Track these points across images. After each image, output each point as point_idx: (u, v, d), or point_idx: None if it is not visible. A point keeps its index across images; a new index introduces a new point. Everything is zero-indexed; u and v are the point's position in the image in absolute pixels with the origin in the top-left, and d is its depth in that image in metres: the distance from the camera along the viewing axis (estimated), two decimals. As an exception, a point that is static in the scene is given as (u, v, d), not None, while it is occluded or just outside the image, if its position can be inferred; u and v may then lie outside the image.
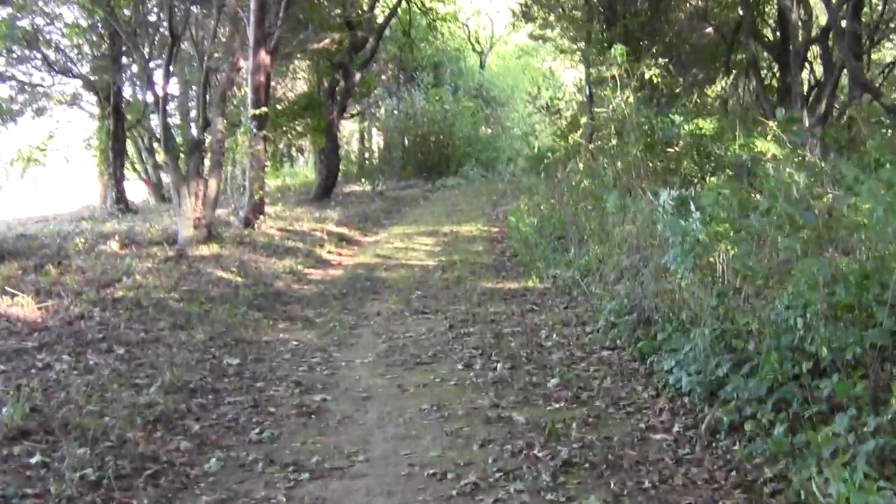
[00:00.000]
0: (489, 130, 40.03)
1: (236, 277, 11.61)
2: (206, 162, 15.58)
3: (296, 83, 34.42)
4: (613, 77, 13.20)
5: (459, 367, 7.33)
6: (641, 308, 7.85)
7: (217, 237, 14.77)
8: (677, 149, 12.98)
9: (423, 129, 33.47)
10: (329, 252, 15.35)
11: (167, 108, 16.84)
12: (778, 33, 21.57)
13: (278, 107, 31.69)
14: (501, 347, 7.78)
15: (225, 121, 16.10)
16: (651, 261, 8.69)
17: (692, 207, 8.18)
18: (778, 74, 22.59)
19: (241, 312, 9.45)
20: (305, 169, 40.42)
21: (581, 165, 16.72)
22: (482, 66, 43.81)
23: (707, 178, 10.78)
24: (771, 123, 14.46)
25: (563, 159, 21.06)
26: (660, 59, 13.20)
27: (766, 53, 23.57)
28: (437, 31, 34.90)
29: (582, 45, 26.96)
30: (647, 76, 12.61)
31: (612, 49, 12.75)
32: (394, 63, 35.96)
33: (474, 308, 9.76)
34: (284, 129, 31.53)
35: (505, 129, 40.96)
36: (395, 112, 34.54)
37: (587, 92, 23.15)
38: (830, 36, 20.77)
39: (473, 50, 42.93)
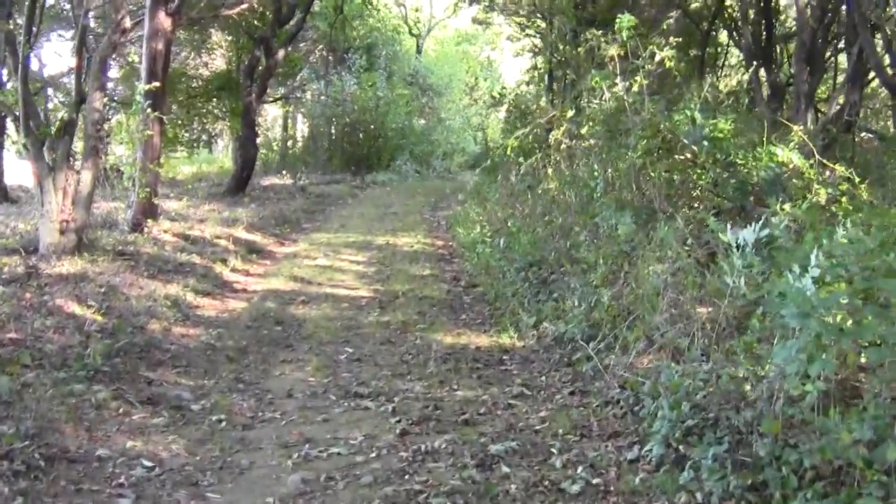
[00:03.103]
0: (424, 121, 36.78)
1: (95, 315, 8.23)
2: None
3: (214, 60, 30.86)
4: (612, 59, 10.09)
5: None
6: (736, 432, 4.72)
7: (90, 246, 11.37)
8: (688, 155, 9.92)
9: (353, 117, 30.08)
10: (233, 270, 12.00)
11: (35, 77, 13.41)
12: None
13: (193, 85, 28.34)
14: (495, 496, 4.55)
15: (105, 96, 12.63)
16: (724, 337, 5.67)
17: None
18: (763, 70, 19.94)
19: (77, 391, 6.09)
20: (224, 155, 36.88)
21: (550, 170, 13.61)
22: (419, 50, 40.52)
23: (778, 205, 7.81)
24: (795, 128, 11.69)
25: (517, 160, 18.05)
26: (672, 38, 10.18)
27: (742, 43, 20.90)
28: (371, 7, 31.57)
29: (539, 24, 24.09)
30: (657, 58, 9.61)
31: (617, 21, 9.64)
32: (323, 43, 32.49)
33: (435, 389, 6.51)
34: (196, 111, 28.07)
35: (441, 121, 37.76)
36: (323, 97, 31.07)
37: (546, 80, 20.18)
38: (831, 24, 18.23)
39: (410, 33, 39.59)
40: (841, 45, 19.31)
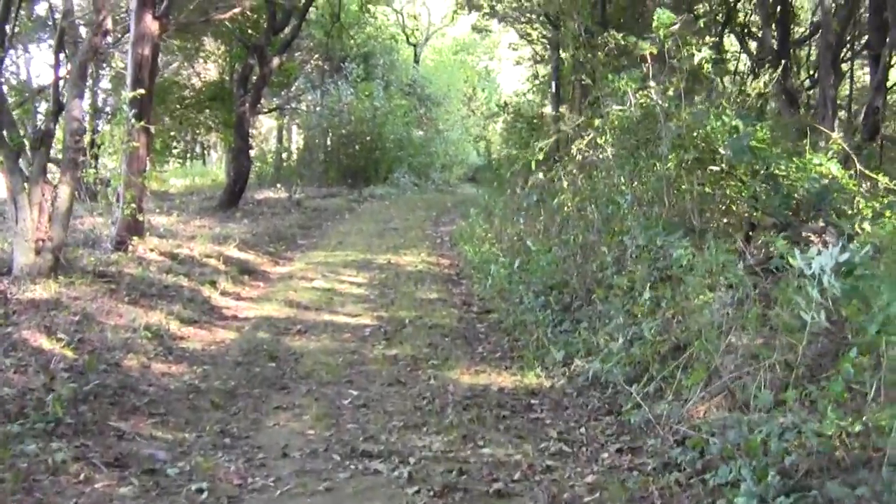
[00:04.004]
0: (422, 133, 35.77)
1: (64, 350, 7.23)
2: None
3: (206, 70, 29.95)
4: (644, 59, 9.07)
5: None
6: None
7: (68, 267, 10.35)
8: (724, 166, 8.93)
9: (350, 128, 29.03)
10: (223, 293, 10.98)
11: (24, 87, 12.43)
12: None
13: (184, 95, 27.39)
14: None
15: (86, 105, 11.63)
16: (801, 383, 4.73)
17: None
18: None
19: (30, 451, 5.07)
20: (217, 167, 35.90)
21: (566, 183, 12.62)
22: (416, 60, 39.47)
23: (857, 225, 6.84)
24: (834, 135, 10.74)
25: (526, 171, 17.06)
26: (708, 37, 9.21)
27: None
28: (369, 15, 30.59)
29: (543, 30, 23.15)
30: (696, 60, 8.63)
31: (655, 16, 8.65)
32: (319, 51, 31.49)
33: (457, 445, 5.47)
34: (188, 122, 27.11)
35: (440, 132, 36.75)
36: (319, 108, 30.03)
37: (553, 87, 19.22)
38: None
39: (408, 41, 38.58)
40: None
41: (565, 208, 11.76)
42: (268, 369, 7.44)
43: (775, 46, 17.51)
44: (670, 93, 8.86)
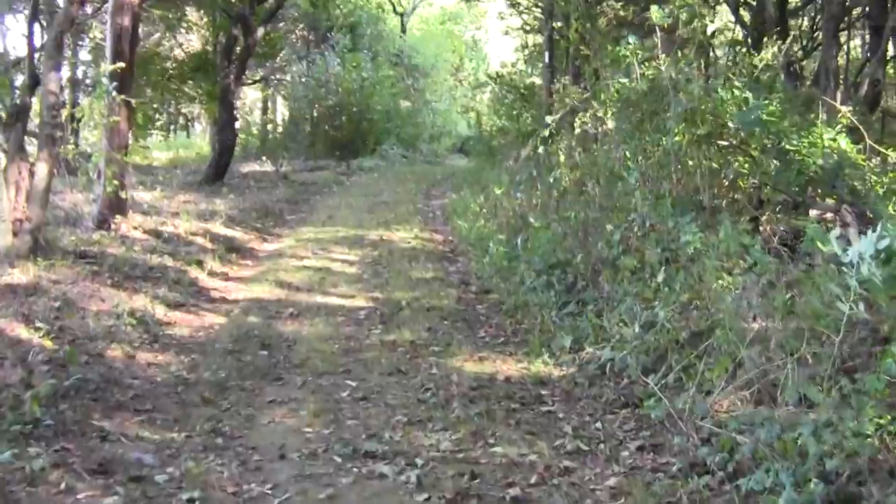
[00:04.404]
0: (410, 104, 35.24)
1: (43, 340, 6.82)
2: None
3: (190, 41, 29.34)
4: (652, 29, 8.66)
5: None
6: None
7: (48, 248, 9.89)
8: (733, 141, 8.54)
9: (337, 99, 28.47)
10: (211, 274, 10.57)
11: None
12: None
13: (167, 66, 26.80)
14: None
15: (62, 78, 11.15)
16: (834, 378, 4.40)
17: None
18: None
19: (4, 459, 4.66)
20: (202, 139, 35.35)
21: (563, 157, 12.22)
22: (403, 30, 38.82)
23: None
24: (844, 109, 10.35)
25: (519, 144, 16.65)
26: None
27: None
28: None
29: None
30: (709, 31, 8.22)
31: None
32: (304, 22, 30.87)
33: (466, 444, 5.08)
34: (171, 94, 26.55)
35: (427, 103, 36.22)
36: (304, 79, 29.44)
37: (546, 58, 18.76)
38: None
39: (394, 11, 37.93)
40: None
41: (563, 183, 11.39)
42: (260, 358, 7.03)
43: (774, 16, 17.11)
44: (682, 64, 8.44)
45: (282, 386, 6.34)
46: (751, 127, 7.84)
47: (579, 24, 12.58)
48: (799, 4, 20.51)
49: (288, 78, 31.58)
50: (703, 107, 8.02)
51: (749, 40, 18.03)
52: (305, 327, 8.08)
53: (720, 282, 6.04)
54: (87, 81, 22.84)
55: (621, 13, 11.97)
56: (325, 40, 30.49)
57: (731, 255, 6.35)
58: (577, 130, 11.53)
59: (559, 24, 16.78)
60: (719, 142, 8.54)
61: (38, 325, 7.10)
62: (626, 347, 6.25)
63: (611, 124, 10.71)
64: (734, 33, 22.13)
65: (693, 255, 6.65)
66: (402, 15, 38.82)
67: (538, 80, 24.38)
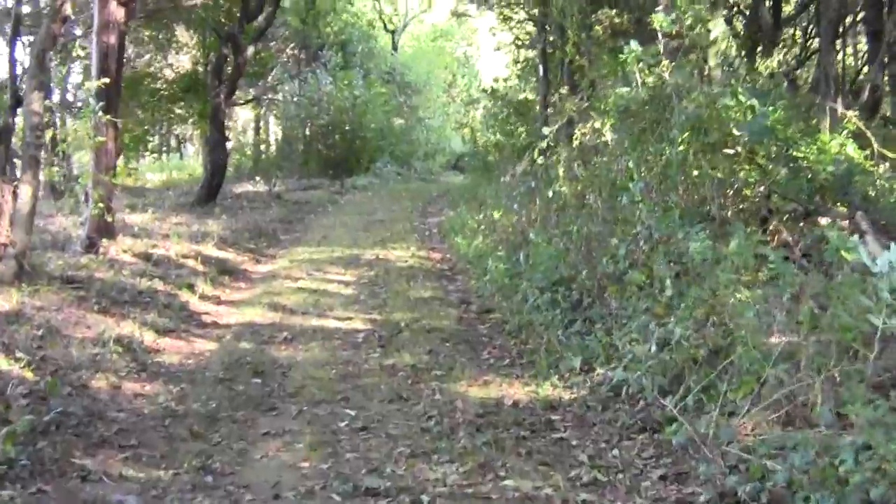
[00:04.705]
0: (403, 121, 34.96)
1: (24, 372, 6.44)
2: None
3: (180, 61, 29.08)
4: (670, 35, 8.33)
5: None
6: None
7: (33, 273, 9.54)
8: (738, 149, 8.21)
9: (329, 118, 28.19)
10: (202, 297, 10.22)
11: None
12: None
13: (157, 87, 26.53)
14: None
15: (46, 97, 10.81)
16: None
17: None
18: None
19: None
20: (195, 160, 35.06)
21: (562, 170, 11.92)
22: (395, 47, 38.60)
23: None
24: (850, 114, 10.08)
25: (515, 158, 16.37)
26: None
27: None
28: (345, 1, 29.76)
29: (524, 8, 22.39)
30: (714, 36, 7.91)
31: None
32: (295, 40, 30.61)
33: (475, 477, 4.71)
34: (161, 114, 26.27)
35: (420, 120, 35.95)
36: (295, 98, 29.13)
37: (541, 70, 18.49)
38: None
39: (385, 28, 37.70)
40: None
41: (562, 196, 11.10)
42: (253, 387, 6.66)
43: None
44: (686, 70, 8.12)
45: (276, 416, 5.98)
46: (760, 135, 7.53)
47: (575, 34, 12.28)
48: (793, 13, 20.29)
49: (280, 97, 31.26)
50: (711, 114, 7.69)
51: (742, 49, 17.85)
52: (300, 352, 7.72)
53: (738, 295, 5.70)
54: (79, 103, 22.50)
55: (616, 20, 11.64)
56: (316, 58, 30.23)
57: (747, 267, 6.03)
58: (577, 142, 11.23)
59: (553, 36, 16.46)
60: (725, 150, 8.23)
61: (19, 355, 6.72)
62: (640, 367, 5.89)
63: (610, 135, 10.43)
64: (728, 41, 21.94)
65: (705, 266, 6.32)
66: (393, 32, 38.64)
67: (531, 95, 24.12)
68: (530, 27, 24.65)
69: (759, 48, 15.53)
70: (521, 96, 25.17)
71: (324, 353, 7.65)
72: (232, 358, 7.49)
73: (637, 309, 6.88)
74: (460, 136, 36.39)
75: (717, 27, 8.16)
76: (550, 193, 11.33)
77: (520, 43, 27.93)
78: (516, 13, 25.64)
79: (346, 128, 28.31)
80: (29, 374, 6.42)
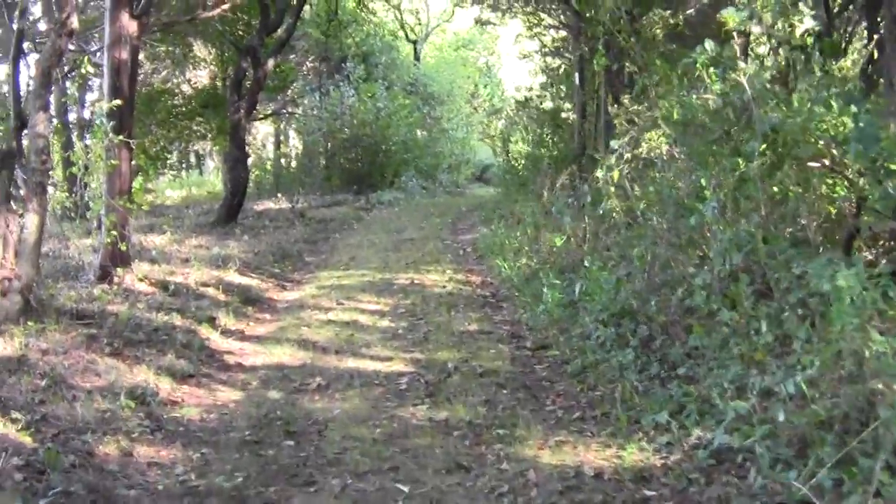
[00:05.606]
0: (426, 133, 34.08)
1: (20, 436, 5.53)
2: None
3: (198, 76, 28.37)
4: (748, 33, 7.36)
5: None
6: None
7: (40, 309, 8.67)
8: (826, 162, 7.19)
9: (352, 131, 27.34)
10: (224, 332, 9.30)
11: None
12: None
13: (175, 103, 25.80)
14: None
15: (53, 118, 9.93)
16: None
17: None
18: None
19: None
20: (214, 176, 34.34)
21: (612, 187, 10.92)
22: (417, 57, 37.76)
23: None
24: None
25: (553, 172, 15.42)
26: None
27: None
28: (368, 12, 28.94)
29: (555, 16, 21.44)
30: (797, 31, 6.97)
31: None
32: (316, 52, 29.78)
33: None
34: (179, 132, 25.52)
35: (444, 132, 35.04)
36: (317, 111, 28.26)
37: (577, 78, 17.54)
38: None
39: (407, 38, 36.86)
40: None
41: (612, 215, 10.14)
42: (285, 451, 5.70)
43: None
44: (767, 75, 7.13)
45: (315, 494, 5.00)
46: (868, 144, 6.52)
47: (625, 38, 11.31)
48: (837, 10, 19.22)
49: (300, 111, 30.42)
50: (800, 123, 6.70)
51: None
52: (337, 403, 6.76)
53: (870, 343, 4.69)
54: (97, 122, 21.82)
55: (671, 21, 10.67)
56: (338, 71, 29.38)
57: (874, 305, 5.02)
58: (628, 155, 10.25)
59: (590, 44, 15.46)
60: (811, 163, 7.23)
61: (16, 415, 5.81)
62: (751, 432, 4.90)
63: (666, 148, 9.48)
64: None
65: (822, 303, 5.32)
66: (415, 42, 37.80)
67: (562, 105, 23.14)
68: (561, 34, 23.72)
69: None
70: (546, 104, 24.24)
71: (364, 405, 6.68)
72: (260, 412, 6.55)
73: (729, 352, 5.91)
74: (487, 147, 35.53)
75: (806, 22, 7.12)
76: (600, 212, 10.36)
77: (547, 50, 27.01)
78: (543, 20, 24.71)
79: (370, 141, 27.45)
80: (27, 439, 5.54)
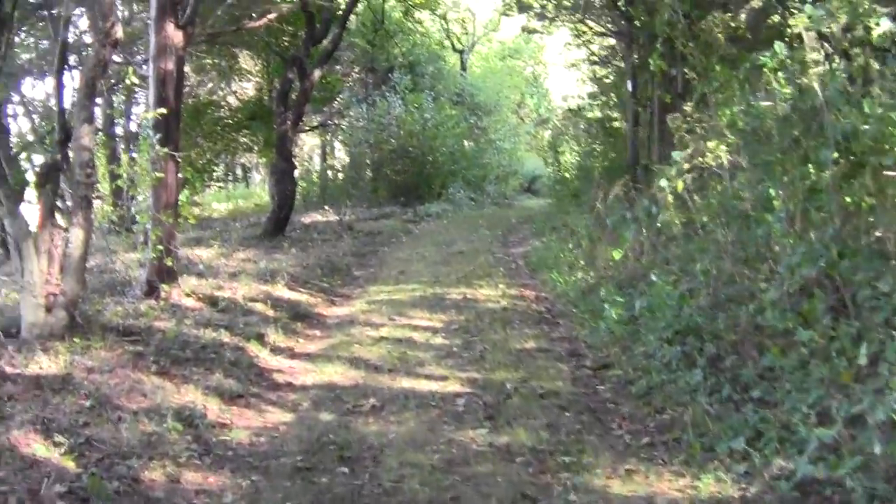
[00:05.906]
0: (473, 144, 33.81)
1: (63, 460, 5.32)
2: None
3: (244, 88, 28.37)
4: (822, 36, 6.98)
5: None
6: None
7: (86, 325, 8.51)
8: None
9: (399, 142, 27.15)
10: (274, 350, 9.06)
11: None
12: None
13: (221, 115, 25.78)
14: None
15: (98, 131, 9.78)
16: None
17: None
18: None
19: None
20: (261, 189, 34.35)
21: (670, 197, 10.55)
22: (463, 67, 37.54)
23: None
24: None
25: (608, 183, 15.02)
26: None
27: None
28: (413, 21, 28.78)
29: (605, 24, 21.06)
30: (875, 33, 6.60)
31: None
32: (362, 63, 29.67)
33: None
34: (225, 144, 25.48)
35: (491, 142, 34.75)
36: (363, 122, 28.11)
37: (630, 87, 17.18)
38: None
39: (453, 48, 36.67)
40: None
41: (670, 227, 9.77)
42: (339, 479, 5.41)
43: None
44: (840, 78, 6.74)
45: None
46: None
47: (683, 43, 10.94)
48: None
49: (346, 122, 30.29)
50: (884, 130, 6.32)
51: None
52: (392, 426, 6.46)
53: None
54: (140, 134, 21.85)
55: (732, 24, 10.29)
56: (384, 81, 29.23)
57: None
58: (687, 165, 9.87)
59: (655, 44, 15.09)
60: (888, 172, 6.83)
61: (59, 439, 5.60)
62: (838, 463, 4.54)
63: (727, 157, 9.09)
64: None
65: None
66: (461, 52, 37.59)
67: (613, 114, 22.78)
68: (609, 41, 23.35)
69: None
70: (594, 114, 23.90)
71: (420, 428, 6.38)
72: (312, 436, 6.27)
73: (808, 373, 5.54)
74: (534, 158, 35.20)
75: (883, 24, 6.72)
76: (658, 224, 9.99)
77: (595, 59, 26.65)
78: (591, 28, 24.35)
79: (417, 152, 27.24)
80: (70, 464, 5.32)
